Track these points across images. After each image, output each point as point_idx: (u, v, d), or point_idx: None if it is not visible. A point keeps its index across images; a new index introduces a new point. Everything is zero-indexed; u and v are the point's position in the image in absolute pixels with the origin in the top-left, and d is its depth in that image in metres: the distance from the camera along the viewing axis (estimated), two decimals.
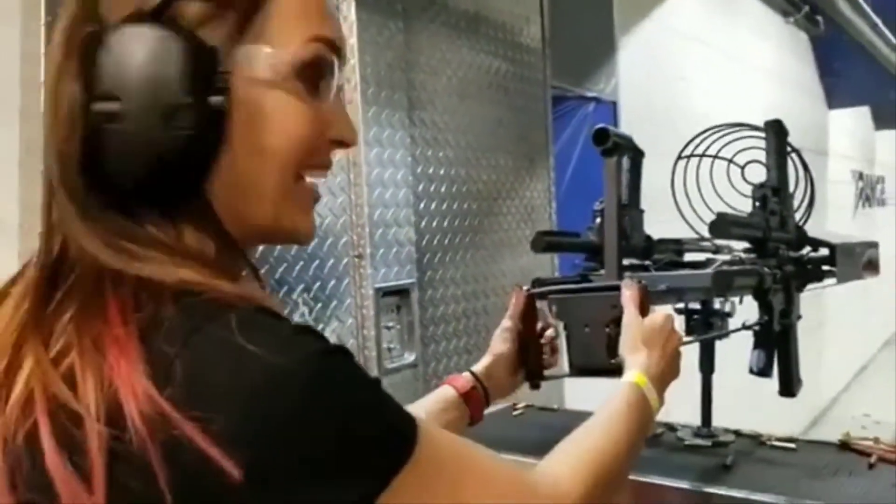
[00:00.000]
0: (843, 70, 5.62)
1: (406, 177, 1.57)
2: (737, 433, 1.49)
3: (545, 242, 1.42)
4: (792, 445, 1.39)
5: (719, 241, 1.52)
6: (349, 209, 1.47)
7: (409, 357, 1.59)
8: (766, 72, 4.74)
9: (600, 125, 1.17)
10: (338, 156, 0.61)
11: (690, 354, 1.26)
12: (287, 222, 0.56)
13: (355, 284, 1.48)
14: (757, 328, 1.35)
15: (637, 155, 1.45)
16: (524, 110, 1.98)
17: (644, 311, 0.97)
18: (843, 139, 6.39)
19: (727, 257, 1.43)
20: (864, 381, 6.75)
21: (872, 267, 1.46)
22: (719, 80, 4.00)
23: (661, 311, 0.99)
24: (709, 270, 1.29)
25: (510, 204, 1.91)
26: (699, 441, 1.45)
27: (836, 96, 5.96)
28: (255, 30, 0.52)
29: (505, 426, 1.61)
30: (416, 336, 1.61)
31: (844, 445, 1.37)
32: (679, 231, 1.52)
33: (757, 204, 1.36)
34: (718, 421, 1.46)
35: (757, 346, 1.33)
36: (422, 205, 1.65)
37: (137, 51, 0.47)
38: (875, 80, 5.69)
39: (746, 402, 1.39)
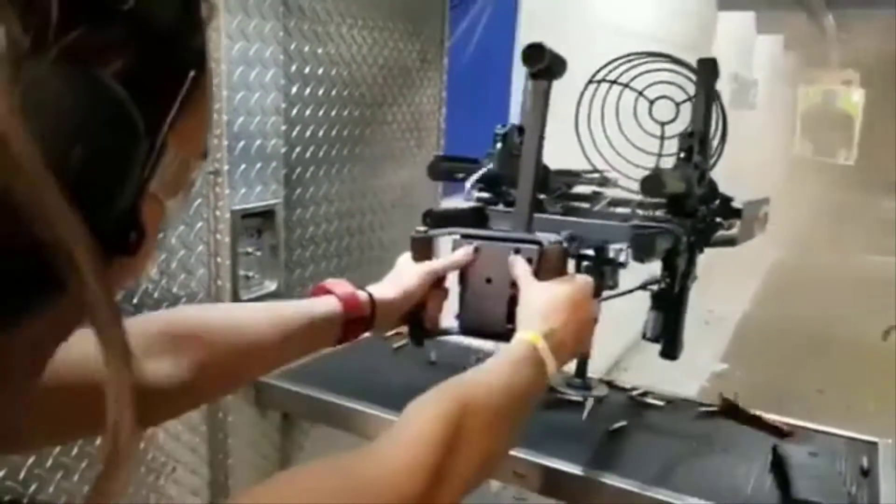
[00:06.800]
0: None
1: (277, 78, 1.32)
2: (610, 384, 1.46)
3: (443, 168, 1.25)
4: (659, 403, 1.37)
5: (608, 175, 1.42)
6: None
7: (271, 285, 1.41)
8: None
9: (535, 42, 0.99)
10: None
11: None
12: None
13: (209, 206, 1.26)
14: (655, 290, 1.27)
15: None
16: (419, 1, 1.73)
17: (561, 273, 0.88)
18: (727, 41, 6.43)
19: (614, 192, 1.34)
20: (708, 278, 7.21)
21: (762, 223, 1.41)
22: None
23: (580, 277, 0.89)
24: (626, 225, 1.19)
25: (396, 110, 1.70)
26: (571, 393, 1.40)
27: None
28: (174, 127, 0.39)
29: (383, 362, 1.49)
30: (280, 261, 1.42)
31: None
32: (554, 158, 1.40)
33: (682, 155, 1.24)
34: None
35: (654, 310, 1.25)
36: (294, 111, 1.41)
37: None
38: None
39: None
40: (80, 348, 0.65)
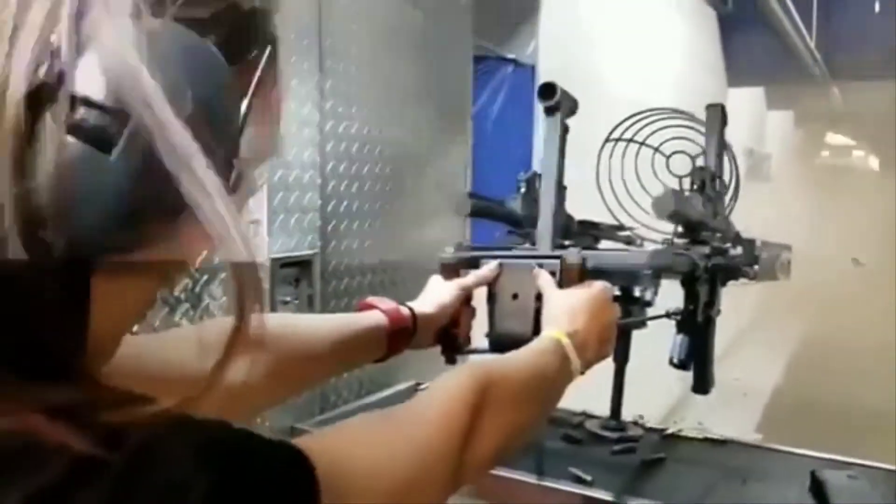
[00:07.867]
0: (745, 50, 5.78)
1: (313, 135, 1.40)
2: (644, 427, 1.46)
3: (472, 206, 1.31)
4: (696, 435, 1.37)
5: (636, 233, 1.46)
6: None
7: None
8: (676, 45, 4.77)
9: (548, 81, 1.11)
10: None
11: None
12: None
13: None
14: (680, 318, 1.30)
15: (564, 129, 1.37)
16: (446, 69, 1.84)
17: (581, 283, 0.92)
18: (739, 117, 6.59)
19: (660, 247, 1.38)
20: (738, 346, 7.10)
21: (785, 269, 1.43)
22: (634, 49, 3.97)
23: (598, 283, 0.92)
24: (646, 249, 1.24)
25: (425, 169, 1.78)
26: (606, 433, 1.40)
27: (735, 75, 6.13)
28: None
29: None
30: (316, 311, 1.46)
31: None
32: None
33: (695, 187, 1.29)
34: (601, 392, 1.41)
35: (680, 333, 1.27)
36: (329, 167, 1.49)
37: None
38: (773, 62, 5.88)
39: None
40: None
